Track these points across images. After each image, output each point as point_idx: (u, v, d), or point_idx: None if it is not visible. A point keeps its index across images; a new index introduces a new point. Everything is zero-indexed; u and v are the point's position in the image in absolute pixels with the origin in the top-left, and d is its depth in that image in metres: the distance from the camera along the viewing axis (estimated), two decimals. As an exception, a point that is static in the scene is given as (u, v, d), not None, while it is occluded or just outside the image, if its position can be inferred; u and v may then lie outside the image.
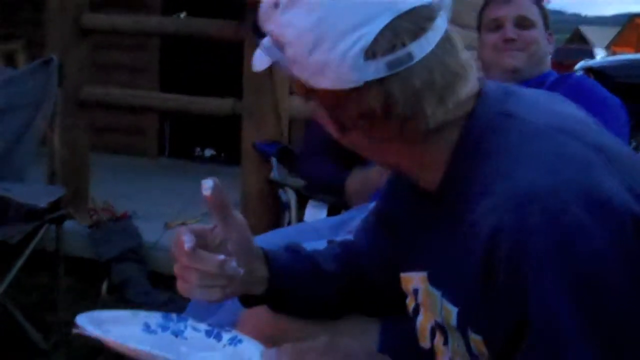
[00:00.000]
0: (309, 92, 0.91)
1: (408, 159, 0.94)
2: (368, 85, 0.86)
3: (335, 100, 0.89)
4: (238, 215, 1.04)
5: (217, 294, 0.99)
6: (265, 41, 0.92)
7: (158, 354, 0.90)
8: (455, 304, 0.92)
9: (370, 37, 0.85)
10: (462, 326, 0.90)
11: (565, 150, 0.84)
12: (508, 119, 0.89)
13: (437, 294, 0.96)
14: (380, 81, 0.86)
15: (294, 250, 1.15)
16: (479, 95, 0.93)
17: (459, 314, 0.91)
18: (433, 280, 0.98)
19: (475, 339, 0.88)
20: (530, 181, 0.81)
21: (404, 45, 0.85)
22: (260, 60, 0.94)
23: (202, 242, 1.01)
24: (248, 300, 1.11)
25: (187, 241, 0.97)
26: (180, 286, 1.00)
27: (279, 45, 0.89)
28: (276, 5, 0.89)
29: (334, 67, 0.86)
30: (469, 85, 0.90)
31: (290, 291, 1.11)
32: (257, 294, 1.09)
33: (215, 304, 1.49)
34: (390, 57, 0.85)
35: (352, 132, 0.92)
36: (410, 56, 0.86)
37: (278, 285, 1.09)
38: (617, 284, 0.78)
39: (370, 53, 0.85)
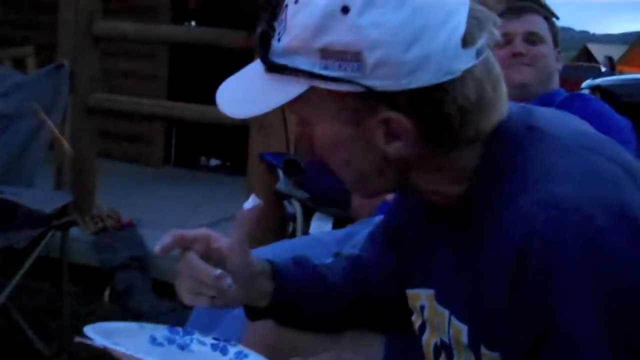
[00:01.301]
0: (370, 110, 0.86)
1: (432, 174, 0.91)
2: (464, 75, 0.84)
3: (426, 97, 0.84)
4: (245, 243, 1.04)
5: (205, 302, 1.00)
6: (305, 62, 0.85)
7: None
8: (465, 321, 0.91)
9: (463, 24, 0.84)
10: (475, 344, 0.90)
11: (592, 166, 0.84)
12: (533, 133, 0.89)
13: (445, 312, 0.95)
14: (471, 71, 0.85)
15: (301, 263, 1.14)
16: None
17: (470, 331, 0.90)
18: (441, 299, 0.97)
19: (490, 356, 0.88)
20: (561, 194, 0.80)
21: (480, 36, 0.85)
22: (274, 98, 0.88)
23: (203, 246, 1.01)
24: (253, 313, 1.11)
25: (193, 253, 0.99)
26: (177, 282, 1.01)
27: (348, 56, 0.83)
28: (345, 10, 0.83)
29: (436, 59, 0.82)
30: (495, 114, 0.90)
31: (295, 305, 1.10)
32: (261, 306, 1.09)
33: (218, 316, 1.49)
34: (477, 46, 0.85)
35: (412, 148, 0.87)
36: (484, 47, 0.86)
37: (283, 299, 1.08)
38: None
39: (466, 41, 0.84)
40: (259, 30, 0.90)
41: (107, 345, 0.91)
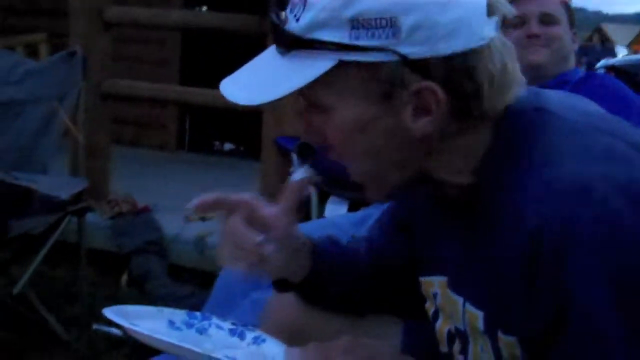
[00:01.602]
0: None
1: (448, 158, 0.89)
2: (490, 44, 0.83)
3: (447, 68, 0.82)
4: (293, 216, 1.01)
5: (242, 267, 0.98)
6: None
7: (186, 346, 0.91)
8: (481, 308, 0.91)
9: None
10: (491, 329, 0.89)
11: (601, 146, 0.83)
12: (543, 114, 0.88)
13: (458, 299, 0.95)
14: (494, 42, 0.84)
15: (336, 243, 1.12)
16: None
17: (486, 317, 0.90)
18: (454, 286, 0.96)
19: (507, 340, 0.87)
20: (575, 173, 0.80)
21: (498, 10, 0.85)
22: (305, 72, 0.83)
23: (247, 212, 0.98)
24: (281, 286, 1.10)
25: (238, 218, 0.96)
26: (218, 245, 0.99)
27: (383, 22, 0.80)
28: None
29: (469, 22, 0.81)
30: (514, 91, 0.89)
31: (326, 284, 1.09)
32: (293, 281, 1.08)
33: (235, 301, 1.50)
34: (497, 18, 0.84)
35: (424, 119, 0.84)
36: (499, 23, 0.85)
37: (316, 277, 1.08)
38: None
39: (490, 9, 0.83)
40: (272, 14, 0.87)
41: (125, 325, 0.92)
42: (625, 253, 0.77)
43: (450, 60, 0.82)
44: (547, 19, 2.00)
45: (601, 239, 0.77)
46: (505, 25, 0.85)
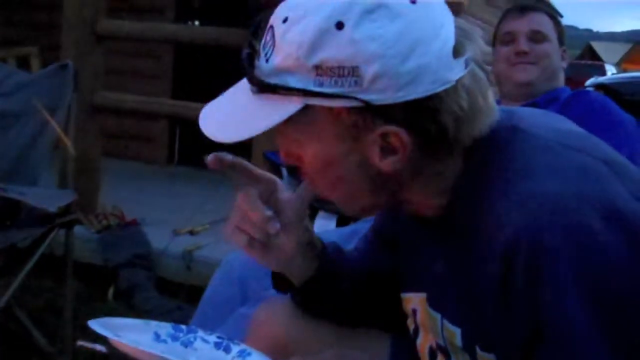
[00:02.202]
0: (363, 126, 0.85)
1: (421, 186, 0.91)
2: (457, 84, 0.85)
3: (408, 112, 0.84)
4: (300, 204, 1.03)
5: (243, 241, 1.00)
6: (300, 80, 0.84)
7: (170, 357, 0.90)
8: (458, 324, 0.91)
9: (452, 35, 0.85)
10: (469, 346, 0.90)
11: (574, 163, 0.85)
12: (515, 132, 0.89)
13: (437, 316, 0.95)
14: (461, 81, 0.85)
15: (339, 250, 1.14)
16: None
17: (463, 334, 0.90)
18: (432, 303, 0.97)
19: (486, 357, 0.88)
20: (548, 190, 0.81)
21: (468, 46, 0.86)
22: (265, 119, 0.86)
23: (267, 190, 1.01)
24: (280, 283, 1.11)
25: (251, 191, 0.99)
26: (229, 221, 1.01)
27: (345, 71, 0.82)
28: (339, 25, 0.82)
29: (431, 69, 0.83)
30: (484, 121, 0.90)
31: (326, 290, 1.10)
32: (294, 280, 1.09)
33: (222, 315, 1.49)
34: (467, 55, 0.86)
35: (391, 158, 0.87)
36: (471, 58, 0.86)
37: (321, 279, 1.08)
38: (632, 290, 0.78)
39: (456, 51, 0.85)
40: (244, 53, 0.89)
41: (109, 336, 0.92)
42: (598, 267, 0.78)
43: (412, 105, 0.84)
44: (536, 37, 2.01)
45: (574, 254, 0.78)
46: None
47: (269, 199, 1.01)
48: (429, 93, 0.83)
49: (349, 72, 0.82)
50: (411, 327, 1.03)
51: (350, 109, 0.84)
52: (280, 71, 0.85)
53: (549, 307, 0.78)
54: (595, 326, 0.77)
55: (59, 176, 3.00)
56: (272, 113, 0.86)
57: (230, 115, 0.91)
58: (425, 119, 0.85)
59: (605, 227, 0.78)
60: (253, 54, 0.88)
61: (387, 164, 0.87)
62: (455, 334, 0.91)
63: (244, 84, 0.91)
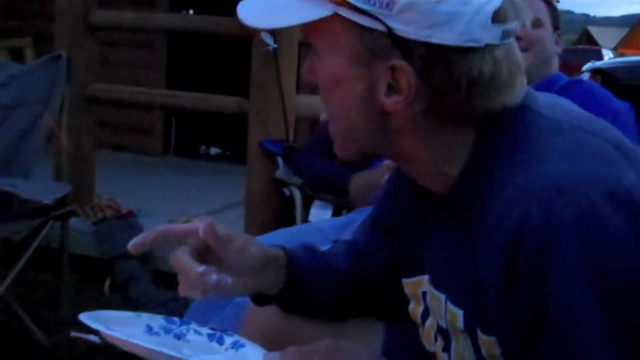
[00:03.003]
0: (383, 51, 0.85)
1: (422, 144, 0.90)
2: (485, 48, 0.84)
3: (433, 59, 0.84)
4: (238, 241, 1.00)
5: (198, 295, 0.97)
6: None
7: (163, 351, 0.90)
8: (460, 306, 0.90)
9: (498, 1, 0.85)
10: (471, 328, 0.89)
11: (586, 146, 0.84)
12: (527, 112, 0.88)
13: (441, 297, 0.95)
14: (491, 48, 0.85)
15: (311, 251, 1.12)
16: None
17: (465, 316, 0.89)
18: (436, 284, 0.96)
19: (486, 340, 0.87)
20: (555, 173, 0.80)
21: (512, 20, 0.86)
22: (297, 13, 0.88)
23: (197, 240, 0.98)
24: (259, 299, 1.10)
25: (180, 250, 0.96)
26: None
27: None
28: None
29: (464, 20, 0.82)
30: (499, 97, 0.89)
31: (304, 294, 1.09)
32: (269, 294, 1.07)
33: (218, 306, 1.49)
34: (506, 27, 0.85)
35: (409, 108, 0.87)
36: (512, 32, 0.86)
37: (292, 288, 1.07)
38: (639, 278, 0.77)
39: (497, 16, 0.84)
40: None
41: (101, 330, 0.91)
42: (607, 253, 0.77)
43: (432, 49, 0.83)
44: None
45: (583, 239, 0.77)
46: None
47: (205, 248, 0.98)
48: (453, 44, 0.83)
49: None
50: (418, 310, 1.02)
51: (372, 31, 0.85)
52: None
53: (554, 293, 0.77)
54: (599, 314, 0.76)
55: (54, 168, 2.99)
56: (305, 11, 0.88)
57: (268, 6, 0.93)
58: (440, 69, 0.84)
59: (616, 212, 0.77)
60: None
61: (390, 102, 0.87)
62: (458, 315, 0.90)
63: None
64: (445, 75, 0.84)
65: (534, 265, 0.78)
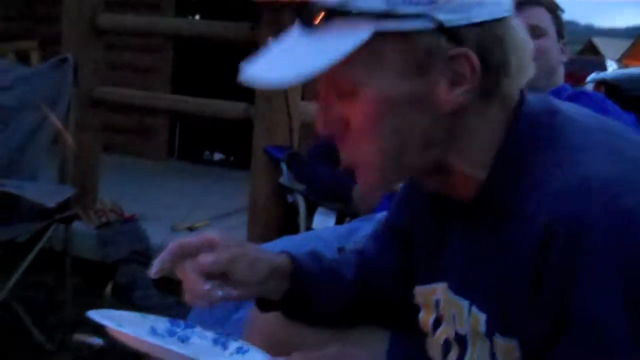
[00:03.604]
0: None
1: (467, 150, 0.87)
2: (510, 17, 0.84)
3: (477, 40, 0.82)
4: (246, 258, 0.99)
5: (204, 305, 0.98)
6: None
7: (173, 349, 0.90)
8: (484, 310, 0.89)
9: None
10: (490, 332, 0.88)
11: (617, 148, 0.83)
12: (557, 116, 0.88)
13: (464, 303, 0.93)
14: (510, 17, 0.85)
15: (317, 259, 1.11)
16: (522, 93, 0.91)
17: (488, 319, 0.88)
18: (457, 290, 0.95)
19: (505, 344, 0.86)
20: (591, 173, 0.79)
21: None
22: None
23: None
24: (263, 305, 1.09)
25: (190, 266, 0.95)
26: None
27: None
28: None
29: None
30: (528, 74, 0.89)
31: (308, 301, 1.08)
32: (274, 300, 1.07)
33: (220, 313, 1.49)
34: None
35: (459, 90, 0.83)
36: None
37: (297, 295, 1.07)
38: None
39: None
40: None
41: (111, 326, 0.91)
42: (637, 256, 0.76)
43: (481, 27, 0.82)
44: (534, 32, 2.00)
45: (614, 239, 0.76)
46: None
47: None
48: (495, 16, 0.83)
49: None
50: (429, 319, 1.01)
51: (422, 33, 0.80)
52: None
53: (581, 294, 0.76)
54: (624, 324, 0.75)
55: (58, 171, 2.99)
56: (339, 43, 0.79)
57: (285, 59, 0.83)
58: (493, 44, 0.83)
59: None
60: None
61: (452, 98, 0.83)
62: (481, 319, 0.89)
63: (289, 35, 0.86)
64: (498, 49, 0.83)
65: (562, 263, 0.77)
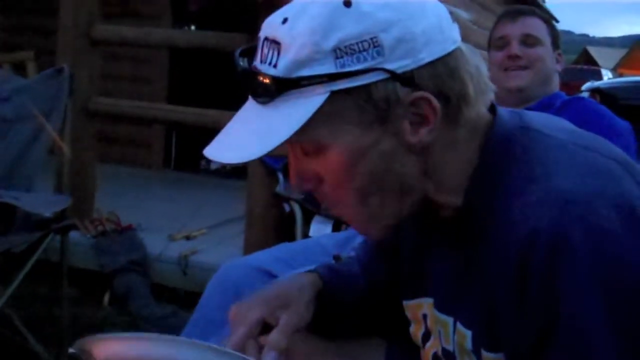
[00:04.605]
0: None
1: (445, 176, 0.89)
2: (459, 48, 0.87)
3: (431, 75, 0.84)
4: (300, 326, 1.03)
5: None
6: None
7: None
8: (469, 327, 0.90)
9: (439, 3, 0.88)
10: (477, 348, 0.89)
11: (590, 162, 0.85)
12: (528, 132, 0.89)
13: (448, 320, 0.94)
14: (461, 44, 0.87)
15: (341, 276, 1.13)
16: (494, 111, 0.93)
17: (474, 335, 0.89)
18: (442, 307, 0.96)
19: (491, 358, 0.87)
20: (564, 189, 0.81)
21: (455, 14, 0.89)
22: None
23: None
24: None
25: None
26: None
27: (365, 44, 0.81)
28: (347, 3, 0.82)
29: (439, 28, 0.85)
30: (489, 96, 0.91)
31: (337, 318, 1.11)
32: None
33: (214, 325, 1.48)
34: (459, 23, 0.88)
35: (423, 130, 0.85)
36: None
37: (324, 317, 1.08)
38: None
39: (453, 16, 0.87)
40: (242, 67, 0.86)
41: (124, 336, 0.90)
42: (616, 265, 0.77)
43: (433, 66, 0.84)
44: (528, 40, 2.02)
45: (592, 250, 0.77)
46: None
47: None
48: (444, 52, 0.85)
49: (369, 44, 0.81)
50: (419, 332, 1.02)
51: (376, 84, 0.83)
52: (295, 67, 0.82)
53: (564, 303, 0.77)
54: (608, 326, 0.77)
55: (55, 181, 2.99)
56: (296, 113, 0.82)
57: (244, 135, 0.86)
58: (447, 78, 0.85)
59: (624, 224, 0.78)
60: (251, 73, 0.85)
61: (418, 139, 0.85)
62: (467, 336, 0.90)
63: (244, 110, 0.88)
64: (453, 82, 0.85)
65: (544, 276, 0.78)
